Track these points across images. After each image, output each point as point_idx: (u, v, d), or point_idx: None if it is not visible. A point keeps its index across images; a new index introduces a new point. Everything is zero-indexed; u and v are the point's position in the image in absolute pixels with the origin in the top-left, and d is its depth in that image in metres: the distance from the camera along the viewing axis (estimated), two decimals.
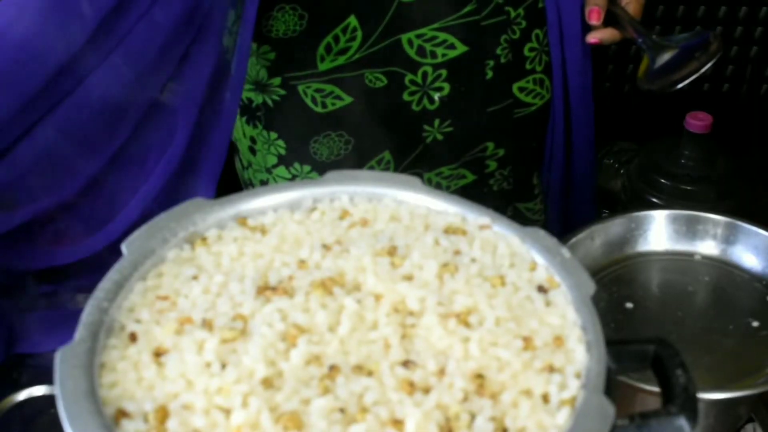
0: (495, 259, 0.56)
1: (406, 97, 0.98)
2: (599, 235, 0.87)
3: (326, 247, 0.56)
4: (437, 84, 0.98)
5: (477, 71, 0.99)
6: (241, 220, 0.58)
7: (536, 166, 1.12)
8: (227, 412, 0.47)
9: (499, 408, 0.47)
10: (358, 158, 1.00)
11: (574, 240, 0.84)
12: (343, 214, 0.59)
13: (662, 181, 1.25)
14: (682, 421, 0.49)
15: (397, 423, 0.46)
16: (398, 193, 0.60)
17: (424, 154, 1.03)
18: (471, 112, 1.01)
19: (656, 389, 0.68)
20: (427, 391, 0.48)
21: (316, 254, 0.56)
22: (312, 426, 0.46)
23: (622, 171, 1.47)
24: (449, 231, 0.58)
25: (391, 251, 0.56)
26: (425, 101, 0.98)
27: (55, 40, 0.65)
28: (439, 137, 1.01)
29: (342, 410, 0.47)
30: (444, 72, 0.97)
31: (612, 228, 0.88)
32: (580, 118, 1.06)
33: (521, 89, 1.04)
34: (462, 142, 1.03)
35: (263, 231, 0.58)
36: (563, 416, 0.47)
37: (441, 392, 0.48)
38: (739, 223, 0.88)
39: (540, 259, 0.56)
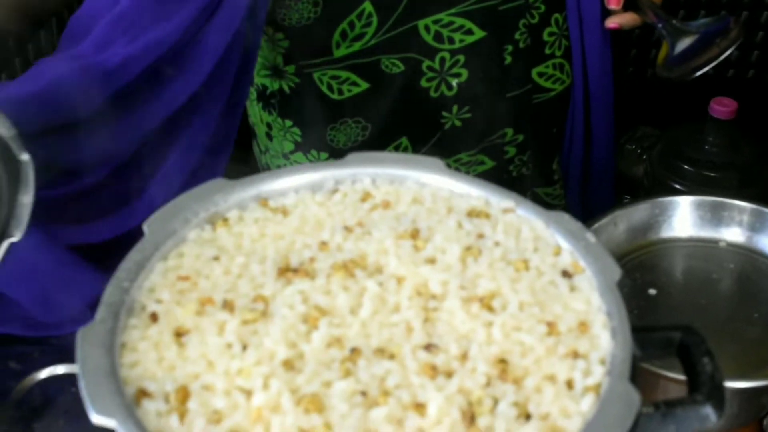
0: (519, 243, 0.55)
1: (423, 83, 0.97)
2: (622, 221, 0.85)
3: (348, 230, 0.56)
4: (455, 70, 0.97)
5: (495, 57, 0.98)
6: (263, 201, 0.58)
7: (556, 151, 1.11)
8: (248, 393, 0.46)
9: (523, 393, 0.47)
10: (375, 145, 0.99)
11: (596, 225, 0.83)
12: (365, 196, 0.59)
13: (685, 167, 1.23)
14: (709, 410, 0.48)
15: (419, 407, 0.46)
16: (421, 176, 0.59)
17: (442, 141, 1.02)
18: (489, 98, 1.00)
19: (680, 377, 0.68)
20: (449, 375, 0.47)
21: (337, 236, 0.55)
22: (333, 409, 0.45)
23: (644, 157, 1.45)
24: (472, 214, 0.57)
25: (414, 234, 0.55)
26: (443, 87, 0.97)
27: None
28: (458, 123, 1.01)
29: (363, 393, 0.46)
30: (462, 58, 0.96)
31: (635, 213, 0.87)
32: (599, 104, 1.05)
33: (540, 74, 1.02)
34: (481, 128, 1.03)
35: (284, 212, 0.58)
36: (587, 403, 0.46)
37: (463, 376, 0.47)
38: (766, 210, 0.86)
39: (565, 244, 0.55)
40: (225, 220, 0.57)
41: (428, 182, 0.59)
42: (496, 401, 0.46)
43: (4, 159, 0.58)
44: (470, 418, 0.45)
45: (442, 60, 0.96)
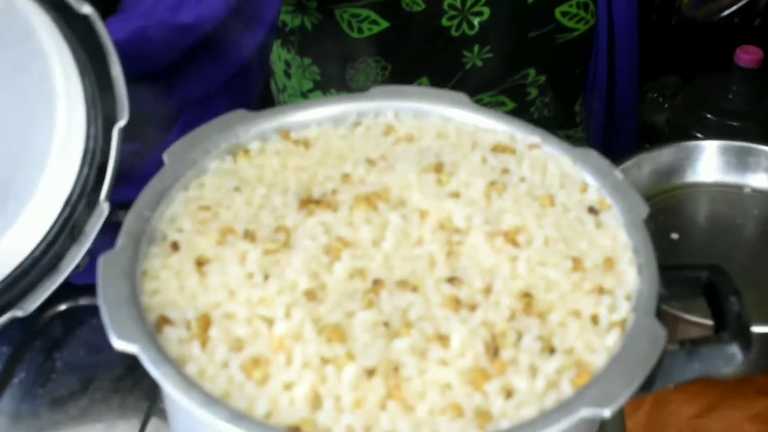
0: (544, 179, 0.54)
1: (444, 22, 0.95)
2: (647, 164, 0.84)
3: (371, 163, 0.55)
4: (477, 8, 0.95)
5: None
6: (284, 133, 0.57)
7: (579, 93, 1.10)
8: (270, 322, 0.46)
9: (547, 328, 0.46)
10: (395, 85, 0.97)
11: (620, 168, 0.81)
12: (388, 130, 0.58)
13: (708, 116, 1.21)
14: (735, 349, 0.48)
15: (442, 339, 0.45)
16: (445, 110, 0.58)
17: (463, 81, 1.00)
18: (511, 38, 0.98)
19: (700, 320, 0.67)
20: (473, 308, 0.47)
21: (360, 169, 0.54)
22: (355, 339, 0.45)
23: (666, 106, 1.43)
24: (497, 149, 0.56)
25: (438, 168, 0.54)
26: (464, 26, 0.96)
27: None
28: (479, 63, 0.99)
29: (386, 324, 0.46)
30: None
31: (660, 157, 0.85)
32: (624, 45, 1.03)
33: (564, 14, 1.00)
34: (502, 69, 1.01)
35: (306, 144, 0.57)
36: (613, 338, 0.46)
37: (487, 310, 0.47)
38: None
39: (591, 180, 0.54)
40: (246, 151, 0.56)
41: (453, 117, 0.58)
42: (520, 335, 0.46)
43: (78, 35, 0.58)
44: (494, 350, 0.45)
45: None
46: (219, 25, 0.76)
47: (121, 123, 0.61)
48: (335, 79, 0.99)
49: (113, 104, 0.61)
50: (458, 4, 0.94)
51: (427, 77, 0.99)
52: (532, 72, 1.02)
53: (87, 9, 0.57)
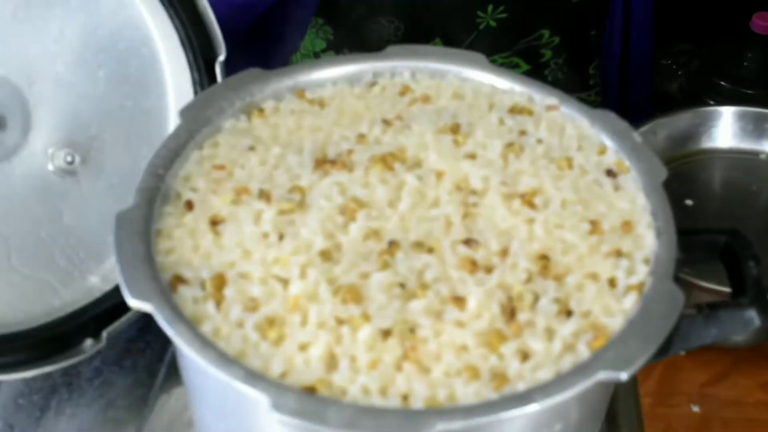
0: (562, 141, 0.54)
1: None
2: (662, 129, 0.84)
3: (386, 123, 0.54)
4: None
5: None
6: (299, 92, 0.57)
7: (593, 56, 1.08)
8: (285, 282, 0.46)
9: (564, 290, 0.46)
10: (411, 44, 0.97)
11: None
12: (404, 90, 0.57)
13: (722, 84, 1.20)
14: (753, 314, 0.47)
15: (458, 300, 0.45)
16: (462, 70, 0.58)
17: (476, 41, 0.99)
18: None
19: (715, 287, 0.67)
20: (489, 270, 0.47)
21: (375, 129, 0.54)
22: (371, 300, 0.45)
23: (680, 73, 1.42)
24: (515, 111, 0.55)
25: (454, 129, 0.54)
26: None
27: None
28: (493, 24, 0.98)
29: (402, 285, 0.46)
30: None
31: (677, 122, 0.85)
32: (639, 10, 1.02)
33: None
34: (516, 29, 1.00)
35: (321, 104, 0.56)
36: (630, 301, 0.46)
37: (504, 272, 0.46)
38: None
39: (609, 143, 0.54)
40: (261, 110, 0.56)
41: (470, 77, 0.58)
42: (536, 297, 0.46)
43: None
44: (510, 312, 0.45)
45: None
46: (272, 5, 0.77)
47: (221, 58, 0.61)
48: (348, 40, 0.98)
49: (209, 41, 0.61)
50: None
51: (440, 38, 0.98)
52: (546, 33, 1.01)
53: None
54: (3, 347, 0.54)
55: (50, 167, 0.60)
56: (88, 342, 0.57)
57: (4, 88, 0.57)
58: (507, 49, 1.01)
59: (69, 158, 0.60)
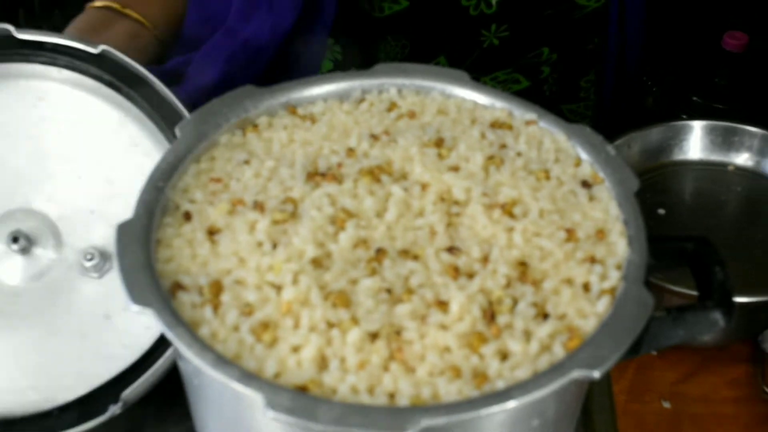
0: (540, 154, 0.57)
1: (463, 1, 0.97)
2: (636, 143, 0.87)
3: (374, 137, 0.57)
4: None
5: None
6: (291, 109, 0.59)
7: (587, 70, 1.12)
8: (278, 288, 0.48)
9: (541, 294, 0.49)
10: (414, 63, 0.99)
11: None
12: (391, 106, 0.60)
13: (695, 99, 1.23)
14: (718, 315, 0.50)
15: (442, 304, 0.48)
16: (446, 87, 0.60)
17: (480, 59, 1.02)
18: (527, 17, 1.00)
19: (684, 291, 0.70)
20: (471, 276, 0.49)
21: (364, 143, 0.57)
22: (359, 304, 0.47)
23: (654, 89, 1.46)
24: (496, 125, 0.58)
25: (438, 143, 0.56)
26: (482, 5, 0.97)
27: None
28: (495, 42, 1.01)
29: (388, 291, 0.48)
30: None
31: (650, 136, 0.88)
32: (634, 22, 1.05)
33: None
34: (518, 47, 1.03)
35: (312, 119, 0.59)
36: (603, 304, 0.48)
37: (485, 277, 0.49)
38: None
39: (585, 155, 0.57)
40: (255, 125, 0.58)
41: (453, 93, 0.60)
42: (515, 301, 0.48)
43: None
44: (490, 315, 0.48)
45: None
46: (289, 34, 0.81)
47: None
48: (356, 59, 1.00)
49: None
50: None
51: (444, 56, 1.01)
52: (546, 50, 1.04)
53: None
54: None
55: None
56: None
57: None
58: (509, 65, 1.04)
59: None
